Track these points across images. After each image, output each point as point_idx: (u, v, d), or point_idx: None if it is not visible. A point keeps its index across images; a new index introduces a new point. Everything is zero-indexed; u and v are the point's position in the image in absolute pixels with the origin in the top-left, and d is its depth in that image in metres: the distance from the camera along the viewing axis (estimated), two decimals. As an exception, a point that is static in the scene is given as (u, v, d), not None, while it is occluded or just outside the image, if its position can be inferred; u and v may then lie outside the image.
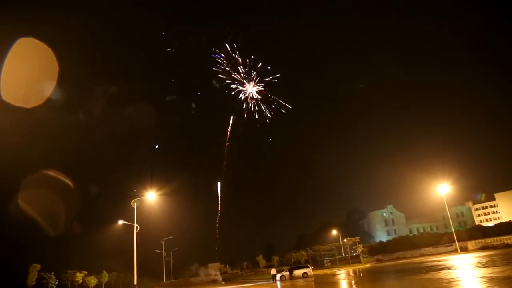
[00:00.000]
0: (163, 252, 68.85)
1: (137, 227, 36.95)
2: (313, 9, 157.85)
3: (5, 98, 56.07)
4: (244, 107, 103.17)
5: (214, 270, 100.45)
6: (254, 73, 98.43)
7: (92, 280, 67.85)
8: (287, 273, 48.73)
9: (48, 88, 68.43)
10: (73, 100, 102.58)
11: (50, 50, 58.38)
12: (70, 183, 65.45)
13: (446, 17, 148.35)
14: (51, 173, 65.02)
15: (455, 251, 62.64)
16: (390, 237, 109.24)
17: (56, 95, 74.51)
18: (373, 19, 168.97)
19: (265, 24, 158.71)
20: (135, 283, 37.19)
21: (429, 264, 37.13)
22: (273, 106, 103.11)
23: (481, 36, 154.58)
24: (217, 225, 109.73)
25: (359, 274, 41.44)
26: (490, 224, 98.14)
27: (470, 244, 65.58)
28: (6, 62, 53.50)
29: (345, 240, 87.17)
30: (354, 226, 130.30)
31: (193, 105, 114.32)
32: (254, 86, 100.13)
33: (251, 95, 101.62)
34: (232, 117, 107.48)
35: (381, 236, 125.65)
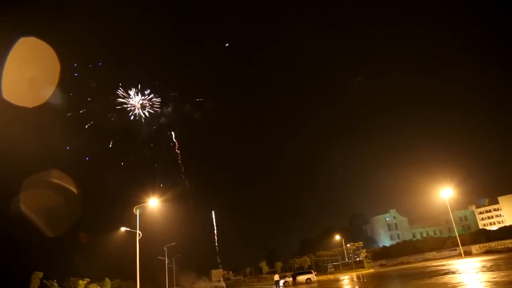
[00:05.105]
0: (166, 259, 68.49)
1: (139, 234, 36.83)
2: (321, 17, 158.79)
3: (7, 97, 55.98)
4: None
5: (217, 276, 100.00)
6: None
7: (95, 288, 67.56)
8: (290, 279, 48.55)
9: (49, 89, 68.42)
10: (74, 103, 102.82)
11: (53, 50, 58.45)
12: (73, 187, 65.36)
13: (447, 20, 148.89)
14: (53, 175, 64.91)
15: (459, 255, 62.20)
16: (394, 242, 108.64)
17: (56, 97, 74.49)
18: (375, 24, 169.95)
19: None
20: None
21: (434, 268, 36.90)
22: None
23: (483, 38, 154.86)
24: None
25: (363, 279, 41.20)
26: (494, 227, 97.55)
27: (474, 248, 65.09)
28: (8, 61, 53.55)
29: (348, 245, 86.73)
30: (357, 231, 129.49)
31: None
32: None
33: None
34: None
35: (384, 240, 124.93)
